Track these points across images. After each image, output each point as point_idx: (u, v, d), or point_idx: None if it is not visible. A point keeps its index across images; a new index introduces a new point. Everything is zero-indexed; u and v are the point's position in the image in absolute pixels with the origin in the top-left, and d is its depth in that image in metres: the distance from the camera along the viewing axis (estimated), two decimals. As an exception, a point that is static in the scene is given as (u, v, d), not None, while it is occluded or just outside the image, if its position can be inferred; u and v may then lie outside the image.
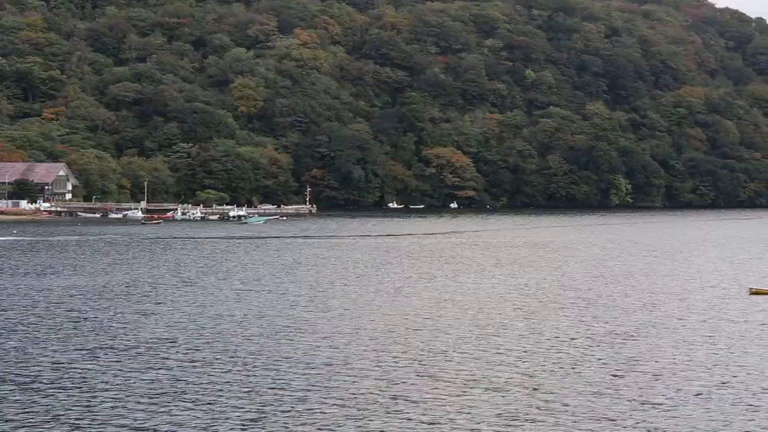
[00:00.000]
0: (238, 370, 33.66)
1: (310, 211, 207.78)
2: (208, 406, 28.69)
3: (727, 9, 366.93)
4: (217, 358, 35.73)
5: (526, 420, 27.57)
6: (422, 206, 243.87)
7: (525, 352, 37.90)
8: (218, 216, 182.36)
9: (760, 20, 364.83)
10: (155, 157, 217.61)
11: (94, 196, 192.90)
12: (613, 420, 27.78)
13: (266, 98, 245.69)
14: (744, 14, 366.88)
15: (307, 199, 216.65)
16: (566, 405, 29.25)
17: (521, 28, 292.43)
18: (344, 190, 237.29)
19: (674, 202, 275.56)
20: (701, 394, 31.13)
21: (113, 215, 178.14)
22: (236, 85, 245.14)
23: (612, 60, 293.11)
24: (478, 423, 27.26)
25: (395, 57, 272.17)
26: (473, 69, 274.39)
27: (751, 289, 59.80)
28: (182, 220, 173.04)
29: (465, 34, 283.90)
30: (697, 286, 63.61)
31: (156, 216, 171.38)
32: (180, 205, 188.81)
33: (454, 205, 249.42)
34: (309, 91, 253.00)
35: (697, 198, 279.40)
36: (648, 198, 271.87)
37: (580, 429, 26.84)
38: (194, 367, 34.22)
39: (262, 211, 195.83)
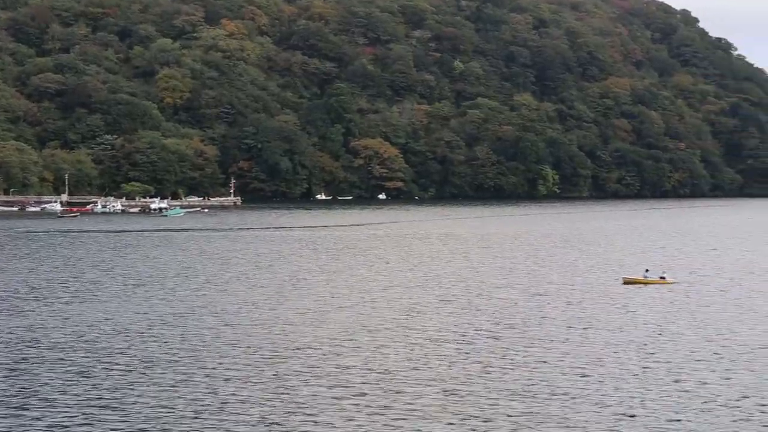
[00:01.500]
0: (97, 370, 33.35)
1: (235, 203, 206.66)
2: (64, 406, 28.38)
3: (653, 1, 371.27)
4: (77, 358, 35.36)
5: (372, 411, 27.70)
6: (350, 198, 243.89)
7: (381, 346, 38.03)
8: (139, 209, 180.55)
9: (685, 12, 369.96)
10: (79, 149, 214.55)
11: (12, 189, 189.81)
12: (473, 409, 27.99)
13: (192, 90, 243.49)
14: (669, 6, 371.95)
15: (232, 191, 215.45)
16: (419, 397, 29.43)
17: (449, 19, 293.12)
18: (272, 181, 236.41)
19: (601, 192, 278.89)
20: (573, 380, 31.56)
21: (31, 208, 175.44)
22: (162, 77, 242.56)
23: (540, 51, 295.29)
24: (324, 413, 27.32)
25: (323, 48, 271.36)
26: (401, 60, 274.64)
27: (624, 278, 61.12)
28: (102, 213, 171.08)
29: (393, 25, 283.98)
30: (578, 275, 64.57)
31: (74, 209, 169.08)
32: (101, 198, 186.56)
33: (382, 197, 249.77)
34: (236, 83, 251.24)
35: (623, 188, 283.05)
36: (575, 188, 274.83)
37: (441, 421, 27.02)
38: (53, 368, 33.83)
39: (187, 203, 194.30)
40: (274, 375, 32.75)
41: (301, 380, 31.83)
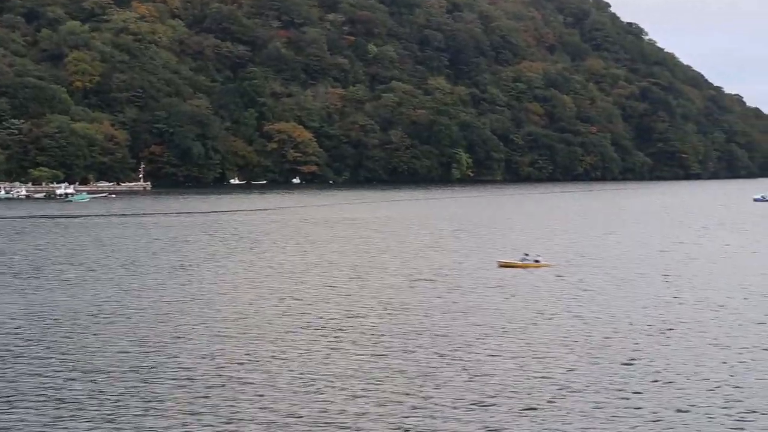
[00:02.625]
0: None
1: (144, 188, 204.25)
2: None
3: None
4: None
5: (218, 401, 27.74)
6: (264, 182, 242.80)
7: (241, 334, 38.10)
8: (44, 194, 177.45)
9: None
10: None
11: None
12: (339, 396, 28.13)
13: (103, 73, 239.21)
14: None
15: (141, 176, 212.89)
16: (268, 387, 29.54)
17: (363, 2, 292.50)
18: (184, 166, 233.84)
19: (514, 175, 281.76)
20: (450, 364, 31.96)
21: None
22: (71, 60, 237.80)
23: (453, 35, 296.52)
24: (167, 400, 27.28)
25: (236, 31, 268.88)
26: (315, 44, 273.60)
27: (499, 261, 62.01)
28: (6, 198, 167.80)
29: (307, 9, 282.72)
30: (459, 259, 65.35)
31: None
32: (5, 184, 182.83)
33: (296, 181, 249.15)
34: (147, 66, 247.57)
35: (536, 171, 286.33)
36: (489, 172, 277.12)
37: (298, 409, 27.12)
38: None
39: (96, 189, 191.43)
40: (132, 367, 32.59)
41: (149, 372, 31.73)
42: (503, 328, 39.67)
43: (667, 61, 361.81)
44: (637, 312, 43.45)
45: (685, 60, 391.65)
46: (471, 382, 30.21)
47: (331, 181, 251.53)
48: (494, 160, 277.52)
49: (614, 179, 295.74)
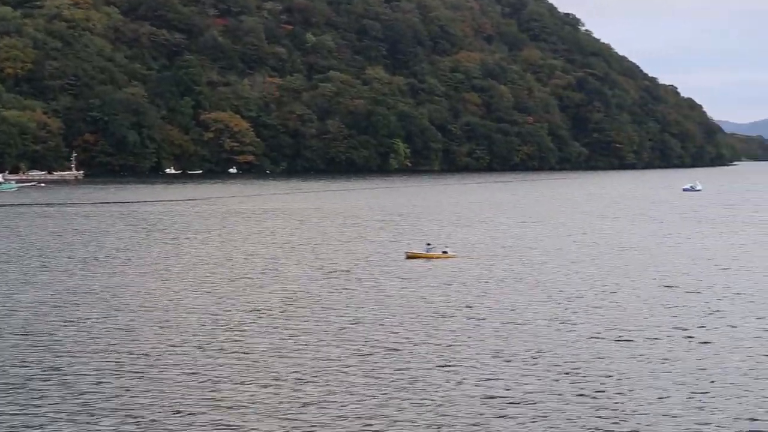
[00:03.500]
0: None
1: (77, 177, 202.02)
2: None
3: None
4: None
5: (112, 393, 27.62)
6: (200, 171, 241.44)
7: (141, 325, 37.99)
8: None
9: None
10: None
11: None
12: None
13: (35, 60, 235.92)
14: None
15: (73, 165, 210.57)
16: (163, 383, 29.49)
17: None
18: (119, 155, 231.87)
19: (452, 165, 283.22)
20: (342, 353, 32.08)
21: None
22: (2, 47, 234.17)
23: (391, 25, 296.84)
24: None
25: (172, 19, 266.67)
26: (253, 32, 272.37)
27: (407, 252, 62.37)
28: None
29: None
30: (371, 250, 65.65)
31: None
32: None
33: (233, 171, 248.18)
34: (81, 54, 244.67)
35: (474, 161, 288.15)
36: (426, 162, 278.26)
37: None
38: None
39: (26, 177, 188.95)
40: (21, 362, 32.35)
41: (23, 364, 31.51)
42: (397, 319, 39.93)
43: (603, 52, 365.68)
44: (534, 303, 43.95)
45: (621, 51, 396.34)
46: (368, 377, 30.43)
47: (268, 171, 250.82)
48: (432, 150, 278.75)
49: (551, 169, 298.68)
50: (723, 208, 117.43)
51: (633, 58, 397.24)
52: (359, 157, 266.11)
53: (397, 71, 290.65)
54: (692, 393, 28.38)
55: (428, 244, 63.18)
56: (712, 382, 29.65)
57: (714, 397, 27.99)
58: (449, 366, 31.59)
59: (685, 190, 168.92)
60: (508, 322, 39.26)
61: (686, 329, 37.82)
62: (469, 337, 36.29)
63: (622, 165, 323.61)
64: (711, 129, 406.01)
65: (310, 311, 41.64)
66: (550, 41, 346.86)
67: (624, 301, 44.61)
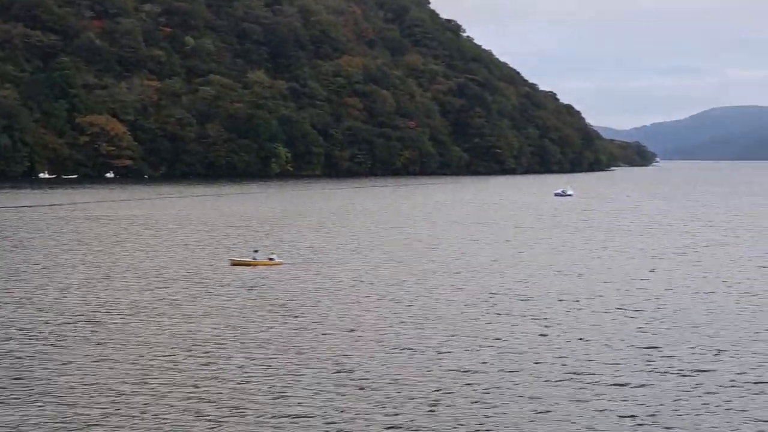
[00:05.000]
0: None
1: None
2: None
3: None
4: None
5: None
6: (75, 176, 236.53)
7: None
8: None
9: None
10: None
11: None
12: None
13: None
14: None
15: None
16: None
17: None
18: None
19: (334, 170, 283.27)
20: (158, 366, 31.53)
21: None
22: None
23: (273, 29, 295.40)
24: None
25: (47, 20, 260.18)
26: (130, 34, 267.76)
27: (232, 260, 62.29)
28: None
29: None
30: (197, 257, 65.38)
31: None
32: None
33: (110, 175, 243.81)
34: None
35: (356, 166, 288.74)
36: (308, 166, 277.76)
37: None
38: None
39: None
40: None
41: None
42: (212, 327, 39.74)
43: (484, 58, 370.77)
44: (353, 311, 44.20)
45: (502, 58, 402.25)
46: (196, 385, 30.19)
47: (146, 176, 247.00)
48: (314, 155, 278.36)
49: (432, 173, 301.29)
50: (581, 213, 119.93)
51: (514, 65, 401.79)
52: (240, 161, 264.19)
53: (279, 75, 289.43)
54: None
55: (255, 251, 63.13)
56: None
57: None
58: (248, 373, 31.55)
59: (556, 195, 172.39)
60: (313, 330, 39.39)
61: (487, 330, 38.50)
62: (271, 342, 36.33)
63: (503, 170, 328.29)
64: (589, 135, 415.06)
65: (115, 319, 41.23)
66: (432, 47, 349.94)
67: (432, 308, 45.15)
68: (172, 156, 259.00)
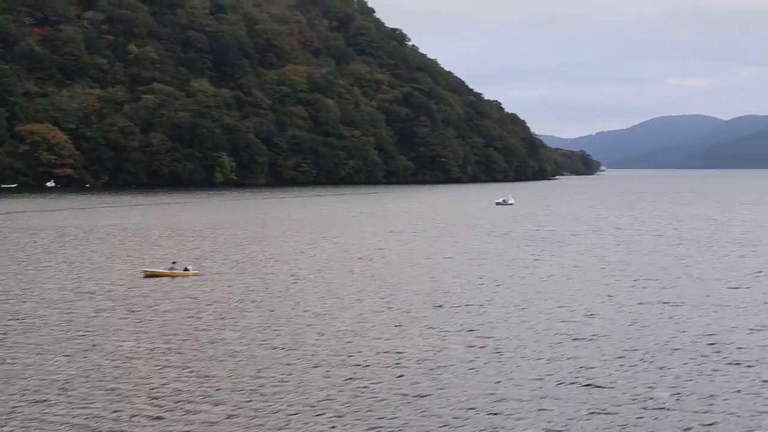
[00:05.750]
0: None
1: None
2: None
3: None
4: None
5: None
6: (15, 185, 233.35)
7: None
8: None
9: (361, 2, 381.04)
10: None
11: None
12: None
13: None
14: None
15: None
16: None
17: (123, 1, 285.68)
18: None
19: (278, 179, 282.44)
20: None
21: None
22: None
23: (217, 37, 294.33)
24: None
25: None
26: (72, 42, 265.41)
27: (145, 271, 61.88)
28: None
29: (63, 6, 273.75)
30: (113, 269, 64.89)
31: None
32: None
33: (51, 184, 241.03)
34: None
35: (300, 175, 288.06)
36: (253, 175, 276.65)
37: None
38: None
39: None
40: None
41: None
42: (116, 337, 39.43)
43: (429, 67, 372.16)
44: (266, 323, 44.08)
45: (448, 67, 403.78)
46: (108, 394, 29.93)
47: (88, 185, 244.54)
48: (258, 164, 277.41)
49: (378, 183, 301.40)
50: (517, 222, 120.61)
51: (459, 74, 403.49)
52: (183, 170, 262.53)
53: (223, 84, 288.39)
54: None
55: (174, 263, 62.73)
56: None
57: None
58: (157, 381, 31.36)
59: (497, 203, 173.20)
60: (218, 342, 39.30)
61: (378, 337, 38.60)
62: (177, 352, 36.12)
63: (448, 179, 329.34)
64: (534, 144, 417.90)
65: (19, 330, 40.85)
66: (377, 55, 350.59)
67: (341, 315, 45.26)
68: (115, 165, 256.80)
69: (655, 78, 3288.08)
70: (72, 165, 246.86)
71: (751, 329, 43.53)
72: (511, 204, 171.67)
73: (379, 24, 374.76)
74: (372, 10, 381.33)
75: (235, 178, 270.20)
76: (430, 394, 31.40)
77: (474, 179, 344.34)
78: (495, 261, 73.38)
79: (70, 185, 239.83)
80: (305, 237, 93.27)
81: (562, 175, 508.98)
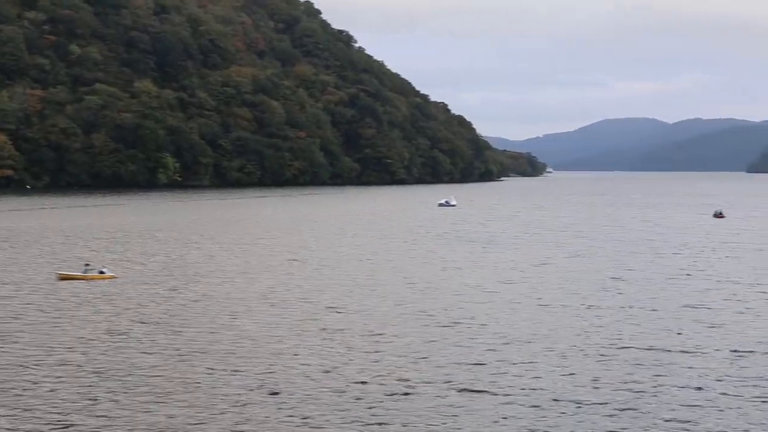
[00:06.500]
0: None
1: None
2: None
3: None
4: None
5: None
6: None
7: None
8: None
9: (308, 3, 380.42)
10: None
11: None
12: None
13: None
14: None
15: None
16: None
17: (66, 1, 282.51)
18: None
19: (223, 180, 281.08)
20: None
21: None
22: None
23: (160, 38, 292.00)
24: None
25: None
26: (12, 42, 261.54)
27: (59, 274, 61.19)
28: None
29: (3, 5, 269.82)
30: (21, 272, 64.27)
31: None
32: None
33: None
34: None
35: (245, 176, 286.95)
36: (197, 177, 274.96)
37: None
38: None
39: None
40: None
41: None
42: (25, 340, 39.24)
43: (375, 68, 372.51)
44: (178, 327, 44.04)
45: (395, 69, 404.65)
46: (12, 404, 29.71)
47: (28, 186, 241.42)
48: (202, 165, 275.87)
49: (323, 184, 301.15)
50: (457, 224, 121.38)
51: (406, 76, 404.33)
52: (127, 171, 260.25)
53: (167, 85, 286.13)
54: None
55: (87, 265, 61.94)
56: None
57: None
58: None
59: (440, 205, 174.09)
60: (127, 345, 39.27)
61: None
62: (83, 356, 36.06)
63: (394, 180, 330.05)
64: (480, 146, 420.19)
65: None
66: (323, 57, 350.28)
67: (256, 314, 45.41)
68: (56, 166, 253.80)
69: (603, 81, 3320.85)
70: (12, 166, 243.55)
71: (664, 329, 44.34)
72: (453, 205, 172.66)
73: (325, 25, 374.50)
74: (318, 12, 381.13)
75: (179, 179, 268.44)
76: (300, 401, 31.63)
77: (420, 181, 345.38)
78: (419, 261, 73.67)
79: (9, 186, 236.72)
80: (238, 239, 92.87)
81: (508, 176, 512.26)
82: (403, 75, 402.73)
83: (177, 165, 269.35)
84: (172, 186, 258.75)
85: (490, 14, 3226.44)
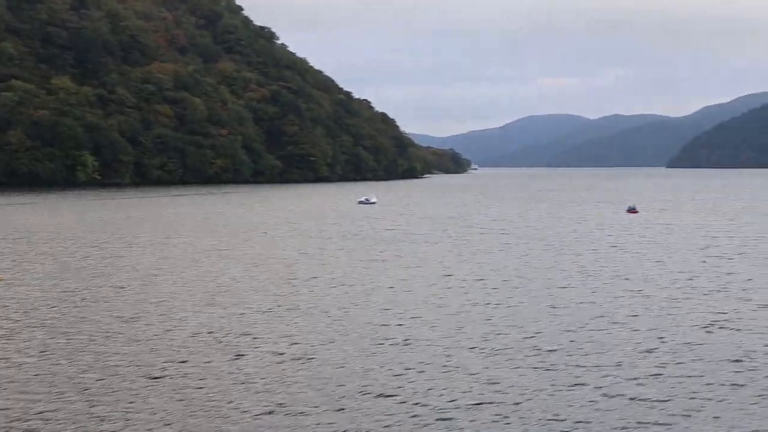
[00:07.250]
0: None
1: None
2: None
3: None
4: None
5: None
6: None
7: None
8: None
9: (229, 0, 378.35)
10: None
11: None
12: None
13: None
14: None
15: None
16: None
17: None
18: None
19: (144, 178, 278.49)
20: None
21: None
22: None
23: (79, 33, 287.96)
24: None
25: None
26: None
27: None
28: None
29: None
30: None
31: None
32: None
33: None
34: None
35: (166, 174, 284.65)
36: (117, 175, 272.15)
37: None
38: None
39: None
40: None
41: None
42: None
43: (298, 65, 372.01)
44: (67, 327, 43.63)
45: (319, 66, 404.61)
46: None
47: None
48: (122, 163, 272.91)
49: (246, 182, 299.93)
50: (375, 221, 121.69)
51: (329, 73, 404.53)
52: (44, 169, 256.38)
53: (85, 81, 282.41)
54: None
55: None
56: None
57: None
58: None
59: (360, 202, 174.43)
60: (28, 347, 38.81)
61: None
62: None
63: (317, 178, 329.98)
64: (403, 143, 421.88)
65: None
66: (245, 54, 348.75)
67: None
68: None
69: (527, 77, 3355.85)
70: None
71: (566, 329, 44.95)
72: (373, 203, 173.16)
73: (247, 22, 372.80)
74: (240, 8, 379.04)
75: (98, 177, 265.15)
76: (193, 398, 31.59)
77: (343, 178, 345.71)
78: (328, 262, 73.60)
79: None
80: (144, 239, 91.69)
81: (432, 173, 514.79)
82: (326, 72, 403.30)
83: (96, 163, 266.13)
84: (92, 184, 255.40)
85: (415, 10, 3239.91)
